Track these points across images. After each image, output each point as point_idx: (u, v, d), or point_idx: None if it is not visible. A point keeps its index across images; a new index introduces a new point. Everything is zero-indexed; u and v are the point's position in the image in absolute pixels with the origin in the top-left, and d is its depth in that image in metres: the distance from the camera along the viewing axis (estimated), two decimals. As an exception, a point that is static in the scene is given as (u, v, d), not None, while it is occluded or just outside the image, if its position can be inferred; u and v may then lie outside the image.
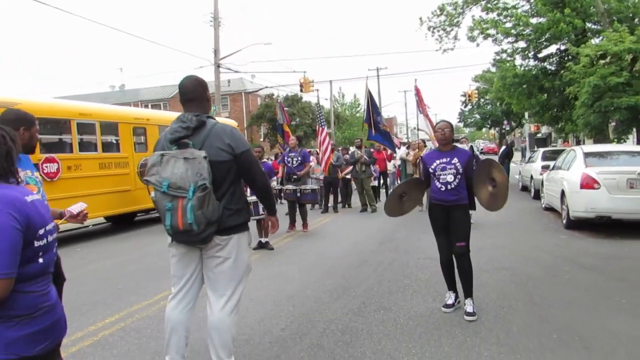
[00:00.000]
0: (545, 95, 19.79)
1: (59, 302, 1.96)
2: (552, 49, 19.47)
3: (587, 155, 9.18)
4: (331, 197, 13.27)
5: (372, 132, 13.04)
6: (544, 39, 18.41)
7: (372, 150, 14.01)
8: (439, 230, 4.70)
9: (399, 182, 18.03)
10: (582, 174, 8.46)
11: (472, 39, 19.45)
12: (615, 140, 15.02)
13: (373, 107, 13.16)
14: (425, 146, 14.01)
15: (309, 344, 3.94)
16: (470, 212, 4.81)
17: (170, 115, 15.02)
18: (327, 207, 12.95)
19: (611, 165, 8.77)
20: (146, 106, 42.62)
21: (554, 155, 14.04)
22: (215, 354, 3.11)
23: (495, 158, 25.81)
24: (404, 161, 14.10)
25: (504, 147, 22.43)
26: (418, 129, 13.62)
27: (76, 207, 2.93)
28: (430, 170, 4.61)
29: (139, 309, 5.06)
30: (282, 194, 9.80)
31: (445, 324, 4.31)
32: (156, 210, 2.96)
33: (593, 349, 3.72)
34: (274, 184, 9.55)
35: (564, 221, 9.12)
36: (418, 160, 12.56)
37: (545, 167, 11.99)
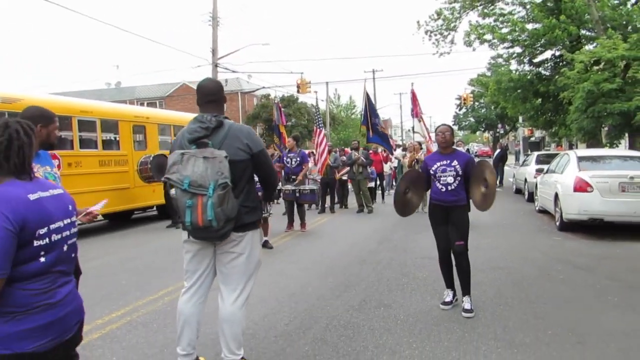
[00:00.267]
0: (540, 99, 20.05)
1: (71, 299, 1.93)
2: (547, 54, 19.77)
3: (580, 159, 9.37)
4: (328, 198, 13.39)
5: (370, 134, 13.17)
6: (539, 45, 18.69)
7: (369, 151, 14.13)
8: (438, 229, 4.85)
9: (394, 183, 18.21)
10: (576, 178, 8.65)
11: (468, 43, 19.69)
12: (608, 144, 15.26)
13: (371, 109, 13.29)
14: (421, 149, 14.18)
15: (312, 338, 4.08)
16: None
17: (169, 115, 15.12)
18: (324, 208, 13.09)
19: (604, 169, 8.96)
20: (142, 104, 42.62)
21: (547, 159, 14.26)
22: (226, 346, 3.24)
23: (490, 161, 26.06)
24: (400, 163, 14.25)
25: (498, 151, 22.68)
26: (414, 132, 13.75)
27: (99, 206, 3.04)
28: (431, 172, 4.76)
29: (144, 304, 5.17)
30: (281, 194, 9.92)
31: (444, 320, 4.46)
32: (175, 207, 3.03)
33: (586, 343, 3.88)
34: None
35: (558, 223, 9.31)
36: (413, 162, 12.73)
37: (539, 171, 12.20)
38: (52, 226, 1.82)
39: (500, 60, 21.80)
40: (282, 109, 14.76)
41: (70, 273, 1.98)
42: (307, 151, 12.17)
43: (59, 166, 9.43)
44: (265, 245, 8.06)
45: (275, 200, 12.62)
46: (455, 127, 69.13)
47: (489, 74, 29.90)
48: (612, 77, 13.76)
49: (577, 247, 7.80)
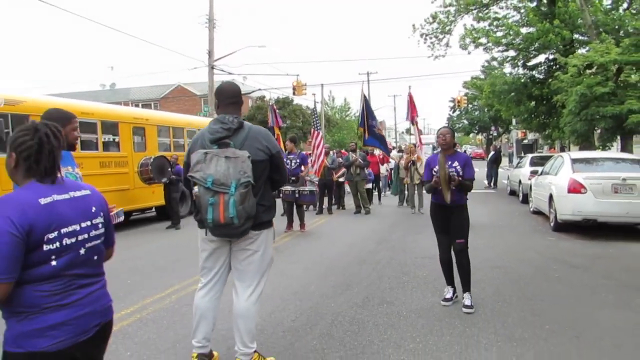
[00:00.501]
0: (534, 102, 20.31)
1: (90, 301, 1.91)
2: (541, 58, 20.03)
3: (574, 161, 9.58)
4: (325, 199, 13.54)
5: (366, 136, 13.31)
6: (533, 49, 18.94)
7: (366, 153, 14.29)
8: (439, 228, 5.01)
9: (389, 185, 18.39)
10: (570, 179, 8.85)
11: (464, 47, 19.92)
12: (600, 147, 15.51)
13: (368, 111, 13.44)
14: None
15: (319, 333, 4.22)
16: None
17: (168, 116, 15.20)
18: (322, 209, 13.23)
19: (597, 171, 9.17)
20: (137, 105, 42.55)
21: (541, 161, 14.49)
22: (240, 340, 3.38)
23: (484, 163, 26.28)
24: (397, 164, 14.43)
25: (492, 153, 22.95)
26: (410, 134, 13.93)
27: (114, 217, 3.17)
28: (434, 173, 4.91)
29: (152, 302, 5.28)
30: (281, 195, 10.05)
31: (445, 316, 4.61)
32: (197, 204, 3.14)
33: (582, 337, 4.04)
34: None
35: (552, 224, 9.50)
36: (409, 164, 12.92)
37: (533, 173, 12.40)
38: (64, 230, 1.81)
39: (494, 63, 22.07)
40: (277, 111, 14.88)
41: (92, 275, 1.95)
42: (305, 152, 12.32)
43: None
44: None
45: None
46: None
47: (482, 76, 30.18)
48: (604, 80, 14.00)
49: (571, 247, 7.99)
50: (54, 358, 1.78)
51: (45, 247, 1.75)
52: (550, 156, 13.79)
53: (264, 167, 3.29)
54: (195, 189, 3.10)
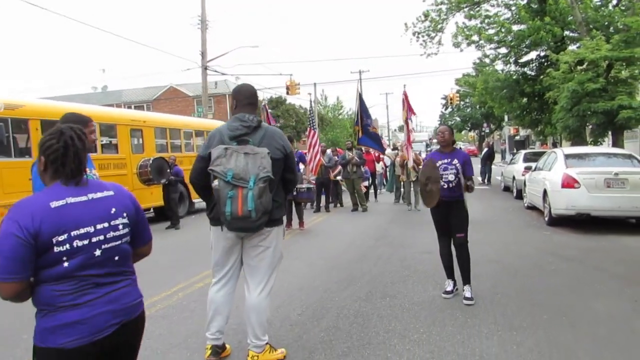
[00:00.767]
0: (526, 99, 20.55)
1: (106, 301, 1.93)
2: (532, 55, 20.26)
3: (567, 157, 9.78)
4: (323, 198, 13.68)
5: (360, 135, 13.43)
6: (524, 46, 19.16)
7: (362, 151, 14.44)
8: (439, 223, 5.18)
9: (385, 183, 18.56)
10: (563, 174, 9.04)
11: (456, 45, 20.13)
12: (592, 142, 15.76)
13: (363, 110, 13.58)
14: (412, 148, 14.52)
15: (326, 326, 4.36)
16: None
17: (165, 118, 15.28)
18: (319, 207, 13.37)
19: (590, 166, 9.37)
20: (129, 107, 42.43)
21: (534, 157, 14.70)
22: (253, 333, 3.53)
23: (477, 160, 26.54)
24: (392, 162, 14.59)
25: (485, 150, 23.16)
26: (403, 131, 14.07)
27: None
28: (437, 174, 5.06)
29: (160, 299, 5.40)
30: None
31: (446, 308, 4.77)
32: (216, 198, 3.25)
33: (578, 326, 4.22)
34: None
35: (547, 218, 9.70)
36: (405, 161, 13.08)
37: (527, 168, 12.60)
38: (75, 233, 1.84)
39: (486, 60, 22.29)
40: (270, 111, 14.99)
41: (114, 275, 1.98)
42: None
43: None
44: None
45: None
46: (442, 127, 69.93)
47: (474, 74, 30.44)
48: (595, 77, 14.23)
49: (565, 240, 8.18)
50: (72, 355, 1.84)
51: (56, 249, 1.80)
52: (544, 152, 14.00)
53: (280, 165, 3.43)
54: (215, 182, 3.21)
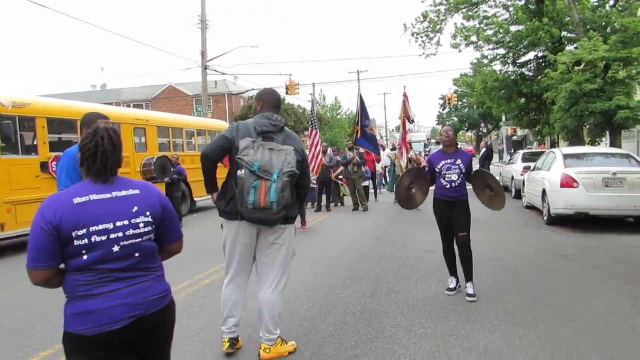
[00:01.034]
0: (524, 99, 20.72)
1: (123, 295, 1.99)
2: (530, 55, 20.43)
3: (566, 157, 9.92)
4: (324, 197, 13.81)
5: (358, 136, 13.57)
6: (522, 46, 19.33)
7: (363, 152, 14.56)
8: (443, 222, 5.30)
9: (385, 183, 18.70)
10: (562, 174, 9.18)
11: (455, 46, 20.27)
12: (590, 142, 15.92)
13: (363, 111, 13.73)
14: (412, 148, 14.68)
15: (334, 321, 4.49)
16: None
17: (167, 117, 15.37)
18: (320, 206, 13.50)
19: (588, 166, 9.51)
20: (128, 106, 42.48)
21: (533, 157, 14.85)
22: (266, 327, 3.66)
23: (475, 160, 26.70)
24: (392, 162, 14.72)
25: (484, 150, 23.23)
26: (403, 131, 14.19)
27: None
28: (437, 170, 5.20)
29: (169, 296, 5.50)
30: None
31: (450, 304, 4.90)
32: (240, 187, 3.32)
33: (578, 321, 4.34)
34: None
35: (546, 218, 9.84)
36: (407, 161, 13.22)
37: (526, 169, 12.74)
38: (93, 228, 1.94)
39: (485, 61, 22.45)
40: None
41: (134, 270, 2.04)
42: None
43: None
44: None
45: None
46: (440, 127, 70.24)
47: (471, 73, 30.59)
48: (593, 77, 14.39)
49: (565, 239, 8.32)
50: (90, 342, 1.93)
51: (76, 243, 1.92)
52: (542, 152, 14.15)
53: (299, 167, 3.56)
54: (241, 171, 3.33)
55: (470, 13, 20.46)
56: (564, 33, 18.88)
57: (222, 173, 3.56)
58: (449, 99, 36.45)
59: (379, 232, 9.54)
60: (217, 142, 3.57)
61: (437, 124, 68.49)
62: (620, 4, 17.43)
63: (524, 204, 12.55)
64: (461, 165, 5.11)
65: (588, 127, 16.24)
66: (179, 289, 5.76)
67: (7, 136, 8.55)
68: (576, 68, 15.45)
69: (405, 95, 13.20)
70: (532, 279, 5.79)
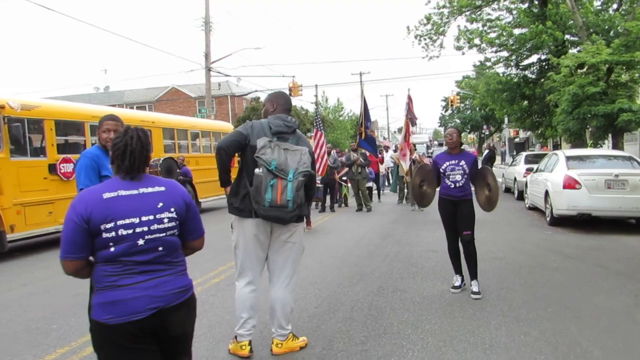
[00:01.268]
0: (527, 102, 20.79)
1: (147, 286, 2.08)
2: (533, 58, 20.50)
3: (568, 158, 10.02)
4: (328, 198, 13.92)
5: (363, 136, 13.71)
6: (525, 49, 19.41)
7: (368, 154, 14.68)
8: (447, 221, 5.41)
9: (387, 184, 18.80)
10: (565, 176, 9.28)
11: (458, 48, 20.38)
12: (592, 145, 16.00)
13: (366, 113, 13.86)
14: (415, 149, 14.79)
15: (342, 317, 4.60)
16: None
17: (172, 119, 15.51)
18: (324, 207, 13.61)
19: (591, 167, 9.61)
20: (131, 108, 42.71)
21: (535, 159, 14.95)
22: (278, 323, 3.77)
23: (478, 162, 26.77)
24: (396, 163, 14.82)
25: (486, 152, 23.33)
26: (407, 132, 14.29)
27: None
28: (441, 170, 5.31)
29: (179, 293, 5.61)
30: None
31: (455, 301, 5.00)
32: (257, 185, 3.39)
33: (582, 318, 4.45)
34: None
35: (548, 218, 9.93)
36: (411, 162, 13.32)
37: (529, 170, 12.84)
38: (120, 222, 2.05)
39: (488, 64, 22.54)
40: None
41: (158, 263, 2.13)
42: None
43: (74, 170, 9.83)
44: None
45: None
46: (442, 129, 70.36)
47: (473, 75, 30.72)
48: (596, 80, 14.47)
49: (567, 240, 8.41)
50: (113, 330, 2.03)
51: (104, 235, 2.04)
52: (545, 154, 14.24)
53: (313, 167, 3.67)
54: (258, 170, 3.41)
55: (473, 16, 20.55)
56: (567, 36, 18.92)
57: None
58: (452, 101, 36.58)
59: (383, 232, 9.65)
60: (232, 137, 3.63)
61: (439, 126, 68.58)
62: (624, 7, 17.52)
63: (527, 205, 12.64)
64: (465, 166, 5.22)
65: (590, 129, 16.33)
66: (189, 286, 5.87)
67: (16, 138, 8.66)
68: (579, 71, 15.53)
69: (409, 97, 13.30)
70: (536, 277, 5.89)
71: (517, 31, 19.38)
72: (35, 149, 9.51)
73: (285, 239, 3.72)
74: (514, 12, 20.47)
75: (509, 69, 21.13)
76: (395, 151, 19.80)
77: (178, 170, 11.47)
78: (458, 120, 63.32)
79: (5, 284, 6.72)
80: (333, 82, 58.85)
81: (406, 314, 4.65)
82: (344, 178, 14.02)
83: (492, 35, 19.76)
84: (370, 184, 14.70)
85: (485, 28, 20.12)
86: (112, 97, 50.63)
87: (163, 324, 2.13)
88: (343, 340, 4.05)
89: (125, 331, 2.04)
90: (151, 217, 2.12)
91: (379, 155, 16.74)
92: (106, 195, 2.09)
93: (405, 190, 14.52)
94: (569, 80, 14.93)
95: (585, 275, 6.01)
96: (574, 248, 7.62)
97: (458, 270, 5.47)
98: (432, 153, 28.49)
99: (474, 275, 5.25)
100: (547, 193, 10.04)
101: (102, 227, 2.03)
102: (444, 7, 20.75)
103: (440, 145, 49.10)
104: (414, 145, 14.40)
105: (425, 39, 21.70)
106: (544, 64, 19.77)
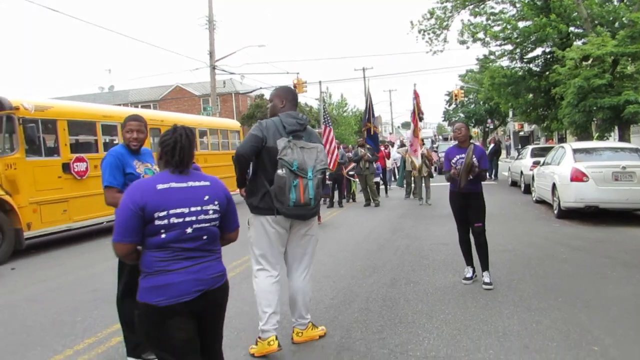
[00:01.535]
0: (532, 95, 20.81)
1: (193, 271, 2.27)
2: (538, 51, 20.49)
3: (575, 151, 10.09)
4: (336, 193, 14.05)
5: (371, 132, 13.89)
6: (529, 42, 19.42)
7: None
8: (458, 214, 5.53)
9: (394, 178, 18.91)
10: (572, 168, 9.36)
11: (462, 42, 20.40)
12: (598, 137, 16.03)
13: (371, 110, 14.00)
14: (424, 144, 14.89)
15: (358, 308, 4.73)
16: None
17: (181, 117, 15.64)
18: (333, 202, 13.74)
19: (598, 160, 9.68)
20: (136, 107, 42.83)
21: (541, 152, 15.01)
22: (298, 313, 3.91)
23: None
24: (402, 159, 14.92)
25: (492, 145, 23.44)
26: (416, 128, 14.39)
27: None
28: (452, 164, 5.42)
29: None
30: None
31: (467, 292, 5.12)
32: (280, 185, 3.48)
33: (592, 307, 4.56)
34: None
35: (556, 211, 10.02)
36: (411, 158, 13.43)
37: (535, 163, 12.91)
38: (172, 211, 2.24)
39: (492, 57, 22.56)
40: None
41: (202, 250, 2.32)
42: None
43: (87, 169, 9.99)
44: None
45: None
46: (445, 123, 70.19)
47: (476, 69, 30.65)
48: (601, 72, 14.51)
49: (575, 232, 8.51)
50: (163, 311, 2.20)
51: (156, 222, 2.22)
52: (551, 147, 14.30)
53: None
54: (281, 171, 3.49)
55: (476, 9, 20.55)
56: (572, 28, 18.93)
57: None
58: (456, 95, 36.53)
59: (392, 226, 9.76)
60: (250, 142, 3.65)
61: (443, 120, 68.29)
62: (628, -2, 17.52)
63: (534, 199, 12.73)
64: (474, 159, 5.32)
65: (596, 122, 16.36)
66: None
67: (31, 139, 8.80)
68: (584, 63, 15.56)
69: (415, 93, 13.39)
70: (545, 269, 6.00)
71: (521, 24, 19.39)
72: (49, 149, 9.66)
73: (304, 233, 3.83)
74: (518, 4, 20.45)
75: (514, 62, 21.14)
76: (400, 146, 19.91)
77: (189, 168, 11.58)
78: (462, 115, 63.18)
79: (26, 279, 6.89)
80: (337, 78, 58.66)
81: (420, 304, 4.78)
82: (351, 173, 14.13)
83: (496, 28, 19.78)
84: (377, 179, 14.81)
85: (489, 22, 20.13)
86: (116, 96, 50.79)
87: (205, 305, 2.33)
88: (360, 329, 4.18)
89: (174, 312, 2.22)
90: (198, 208, 2.32)
91: (386, 150, 16.82)
92: (160, 186, 2.27)
93: (413, 185, 14.62)
94: (574, 72, 14.97)
95: (593, 266, 6.11)
96: (582, 240, 7.72)
97: (469, 262, 5.59)
98: (437, 148, 28.53)
99: (485, 267, 5.36)
100: (554, 186, 10.12)
101: (156, 215, 2.21)
102: (447, 1, 20.76)
103: (445, 139, 49.01)
104: (422, 140, 14.49)
105: (428, 34, 21.73)
106: (548, 56, 19.77)
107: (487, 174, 6.14)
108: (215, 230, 2.42)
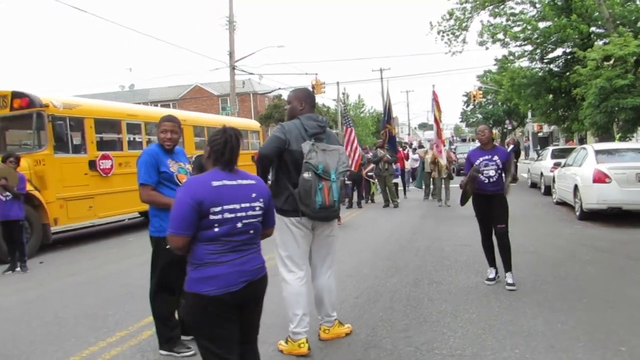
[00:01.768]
0: (552, 95, 20.62)
1: (240, 262, 2.40)
2: (559, 51, 20.31)
3: (597, 152, 10.02)
4: (355, 194, 14.12)
5: (392, 133, 13.97)
6: (550, 43, 19.26)
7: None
8: (481, 215, 5.56)
9: (412, 180, 18.91)
10: (594, 170, 9.30)
11: (481, 43, 20.31)
12: (620, 138, 15.85)
13: (390, 112, 14.09)
14: (444, 145, 14.88)
15: (382, 307, 4.80)
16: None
17: (202, 117, 15.84)
18: (352, 203, 13.81)
19: (620, 161, 9.59)
20: (155, 106, 43.32)
21: (562, 153, 14.87)
22: (324, 310, 3.99)
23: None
24: (422, 160, 14.93)
25: (511, 147, 23.22)
26: (436, 129, 14.38)
27: None
28: (475, 165, 5.45)
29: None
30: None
31: (490, 292, 5.16)
32: (306, 188, 3.53)
33: (616, 308, 4.56)
34: None
35: (578, 213, 9.96)
36: (436, 159, 13.44)
37: (556, 165, 12.82)
38: (226, 207, 2.37)
39: (511, 57, 22.39)
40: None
41: (248, 244, 2.46)
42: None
43: (112, 166, 10.20)
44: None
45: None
46: (463, 124, 69.72)
47: (494, 69, 30.42)
48: (624, 73, 14.33)
49: (597, 233, 8.46)
50: (212, 301, 2.33)
51: (211, 217, 2.34)
52: (571, 149, 14.18)
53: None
54: (307, 174, 3.55)
55: (496, 10, 20.44)
56: (593, 28, 18.73)
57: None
58: (474, 96, 36.37)
59: (413, 227, 9.80)
60: (273, 143, 3.72)
61: (460, 121, 67.89)
62: (651, -3, 17.28)
63: (555, 200, 12.64)
64: (498, 161, 5.36)
65: (618, 122, 16.17)
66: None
67: (59, 136, 9.03)
68: (605, 64, 15.39)
69: (434, 94, 13.40)
70: (568, 270, 6.00)
71: (541, 25, 19.23)
72: (76, 146, 9.90)
73: (327, 233, 3.91)
74: (538, 5, 20.29)
75: (534, 62, 20.97)
76: (420, 147, 19.89)
77: (209, 167, 11.75)
78: (480, 116, 62.71)
79: (55, 273, 7.10)
80: (354, 79, 58.75)
81: (444, 304, 4.83)
82: (370, 174, 14.18)
83: (516, 29, 19.65)
84: (396, 180, 14.84)
85: (509, 22, 20.02)
86: (137, 95, 51.39)
87: (250, 295, 2.48)
88: (385, 328, 4.25)
89: (221, 302, 2.35)
90: (247, 205, 2.46)
91: (404, 152, 16.84)
92: (214, 183, 2.39)
93: (432, 186, 14.62)
94: (595, 73, 14.82)
95: (617, 268, 6.09)
96: (605, 241, 7.68)
97: (492, 263, 5.62)
98: (455, 149, 28.45)
99: (508, 267, 5.39)
100: (576, 187, 10.06)
101: (211, 210, 2.34)
102: (466, 1, 20.67)
103: (464, 141, 48.71)
104: (443, 141, 14.50)
105: (447, 35, 21.65)
106: (569, 57, 19.58)
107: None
108: (260, 225, 2.57)
